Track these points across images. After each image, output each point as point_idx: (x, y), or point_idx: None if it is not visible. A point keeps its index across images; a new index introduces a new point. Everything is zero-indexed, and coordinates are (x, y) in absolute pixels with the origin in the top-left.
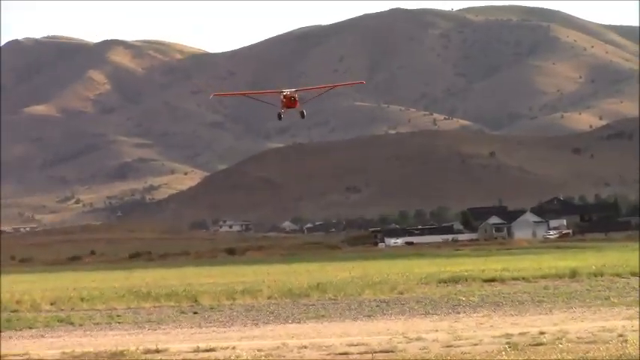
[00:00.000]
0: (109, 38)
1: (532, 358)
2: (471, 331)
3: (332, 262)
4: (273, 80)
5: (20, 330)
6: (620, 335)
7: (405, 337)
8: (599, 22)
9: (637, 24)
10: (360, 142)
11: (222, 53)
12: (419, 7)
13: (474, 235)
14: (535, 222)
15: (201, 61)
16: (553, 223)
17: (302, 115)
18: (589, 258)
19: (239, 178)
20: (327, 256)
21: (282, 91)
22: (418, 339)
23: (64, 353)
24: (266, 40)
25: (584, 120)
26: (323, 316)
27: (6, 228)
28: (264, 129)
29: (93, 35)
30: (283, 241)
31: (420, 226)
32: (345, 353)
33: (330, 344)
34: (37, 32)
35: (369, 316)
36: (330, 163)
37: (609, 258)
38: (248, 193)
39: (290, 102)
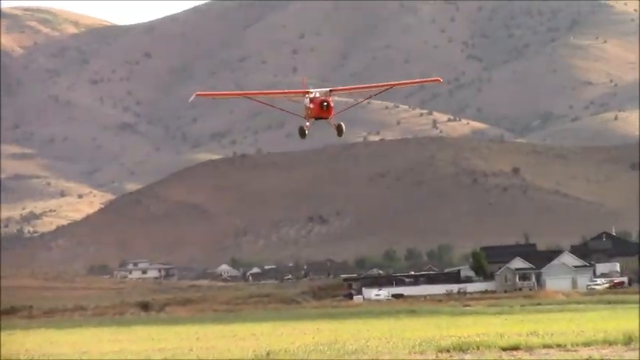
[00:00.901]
0: None
1: None
2: None
3: (288, 323)
4: (205, 66)
5: None
6: None
7: None
8: None
9: None
10: (329, 153)
11: (134, 26)
12: None
13: (489, 285)
14: (576, 267)
15: (103, 37)
16: (602, 268)
17: (340, 130)
18: None
19: (156, 203)
20: (282, 314)
21: (309, 92)
22: None
23: None
24: (195, 10)
25: None
26: None
27: None
28: (192, 133)
29: None
30: (219, 292)
31: (413, 273)
32: None
33: None
34: None
35: None
36: (285, 184)
37: None
38: (169, 225)
39: (321, 109)
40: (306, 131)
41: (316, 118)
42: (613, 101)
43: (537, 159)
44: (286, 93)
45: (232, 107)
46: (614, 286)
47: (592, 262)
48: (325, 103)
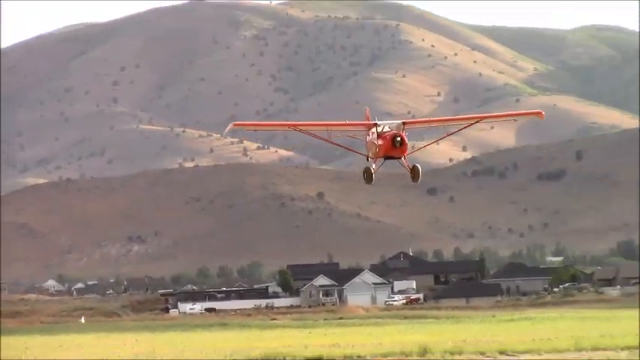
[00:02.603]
0: None
1: None
2: None
3: (110, 334)
4: (34, 95)
5: None
6: None
7: None
8: (465, 23)
9: (515, 25)
10: (147, 178)
11: None
12: (227, 0)
13: (295, 301)
14: (375, 284)
15: None
16: (399, 285)
17: (415, 174)
18: (445, 331)
19: None
20: (104, 326)
21: (377, 124)
22: None
23: None
24: (23, 44)
25: (443, 152)
26: None
27: None
28: (20, 159)
29: None
30: (46, 305)
31: (224, 288)
32: None
33: None
34: None
35: None
36: (107, 206)
37: (471, 332)
38: None
39: (393, 146)
40: (374, 175)
41: (386, 158)
42: (411, 132)
43: (341, 184)
44: (348, 125)
45: (57, 135)
46: (410, 302)
47: (390, 280)
48: (399, 139)
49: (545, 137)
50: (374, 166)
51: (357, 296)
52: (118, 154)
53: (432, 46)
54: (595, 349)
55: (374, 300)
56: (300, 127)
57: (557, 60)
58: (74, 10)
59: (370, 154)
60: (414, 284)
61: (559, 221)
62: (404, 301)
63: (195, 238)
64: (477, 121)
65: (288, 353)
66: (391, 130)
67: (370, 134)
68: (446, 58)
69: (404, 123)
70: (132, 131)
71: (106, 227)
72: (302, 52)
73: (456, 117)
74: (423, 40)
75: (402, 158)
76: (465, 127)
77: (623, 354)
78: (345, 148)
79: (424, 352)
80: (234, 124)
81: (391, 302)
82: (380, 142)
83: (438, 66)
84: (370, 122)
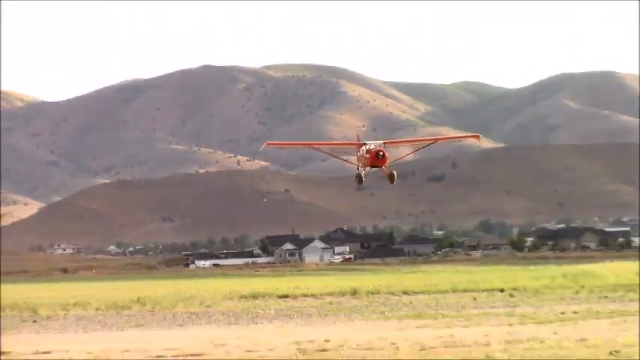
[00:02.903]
0: None
1: None
2: (267, 339)
3: (150, 280)
4: (101, 125)
5: None
6: (393, 343)
7: (212, 343)
8: (381, 79)
9: (414, 81)
10: (175, 179)
11: (57, 102)
12: (227, 64)
13: (271, 259)
14: (322, 248)
15: (39, 108)
16: (338, 249)
17: (391, 178)
18: (367, 279)
19: (71, 209)
20: (146, 275)
21: (365, 144)
22: (223, 345)
23: None
24: (96, 91)
25: None
26: (142, 325)
27: None
28: (93, 166)
29: None
30: (109, 262)
31: (225, 251)
32: (161, 356)
33: (148, 348)
34: None
35: (181, 325)
36: (149, 197)
37: (384, 279)
38: (79, 222)
39: (377, 158)
40: (363, 178)
41: (372, 167)
42: (344, 149)
43: (301, 184)
44: (346, 144)
45: (117, 151)
46: (345, 261)
47: (332, 246)
48: (381, 153)
49: (432, 153)
50: (363, 173)
51: (311, 256)
52: (156, 164)
53: (359, 94)
54: (465, 290)
55: (322, 258)
56: (315, 146)
57: (440, 103)
58: (128, 69)
59: (360, 165)
60: (347, 249)
61: (442, 208)
62: (341, 259)
63: (206, 218)
64: (433, 142)
65: (266, 292)
66: (375, 147)
67: (360, 151)
68: (368, 102)
69: (384, 142)
70: (165, 149)
71: (149, 211)
72: (276, 99)
73: (417, 138)
74: (353, 90)
75: (383, 167)
76: (425, 146)
77: (484, 294)
78: (342, 159)
79: (354, 292)
80: (268, 143)
81: (333, 260)
82: (367, 155)
83: (363, 107)
84: (360, 142)
